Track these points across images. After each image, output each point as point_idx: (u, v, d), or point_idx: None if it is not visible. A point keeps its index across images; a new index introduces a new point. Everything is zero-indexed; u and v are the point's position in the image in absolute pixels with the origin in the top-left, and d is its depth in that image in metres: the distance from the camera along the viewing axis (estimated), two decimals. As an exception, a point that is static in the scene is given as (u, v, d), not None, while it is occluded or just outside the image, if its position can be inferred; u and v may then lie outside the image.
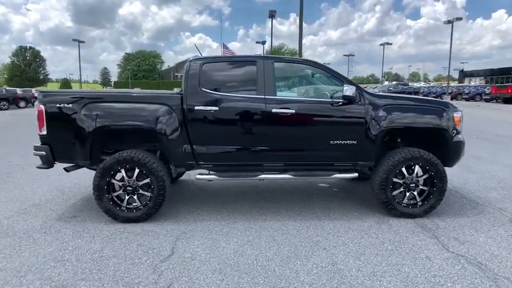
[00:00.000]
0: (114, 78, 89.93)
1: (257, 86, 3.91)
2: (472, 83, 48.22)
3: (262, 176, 3.98)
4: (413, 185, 3.98)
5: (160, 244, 3.41)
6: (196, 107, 3.85)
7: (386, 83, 65.84)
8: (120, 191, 3.92)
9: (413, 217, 4.00)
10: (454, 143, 4.00)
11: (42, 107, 3.84)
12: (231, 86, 4.05)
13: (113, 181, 3.89)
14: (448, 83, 43.60)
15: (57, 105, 3.84)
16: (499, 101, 27.74)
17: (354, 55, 79.56)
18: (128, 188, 3.88)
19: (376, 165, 4.02)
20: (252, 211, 4.28)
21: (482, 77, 51.59)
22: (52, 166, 4.01)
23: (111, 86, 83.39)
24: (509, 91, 25.62)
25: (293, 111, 3.86)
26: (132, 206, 3.94)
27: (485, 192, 5.00)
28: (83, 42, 48.06)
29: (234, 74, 4.13)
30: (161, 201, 3.90)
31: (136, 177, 3.87)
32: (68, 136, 3.86)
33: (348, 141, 3.93)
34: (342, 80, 4.00)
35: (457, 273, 2.86)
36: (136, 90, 5.12)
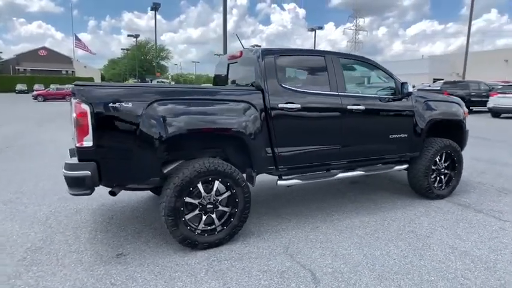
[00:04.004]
0: None
1: (329, 82, 3.76)
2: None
3: (340, 175, 3.87)
4: (443, 170, 4.59)
5: (282, 264, 2.93)
6: (279, 105, 3.43)
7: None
8: (196, 211, 3.14)
9: (442, 197, 4.61)
10: (466, 132, 4.81)
11: (86, 107, 2.70)
12: (304, 81, 3.77)
13: (189, 199, 3.08)
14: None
15: (111, 104, 2.77)
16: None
17: (223, 55, 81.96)
18: (208, 205, 3.14)
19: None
20: (314, 213, 4.09)
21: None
22: (93, 191, 2.87)
23: None
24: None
25: (363, 107, 3.89)
26: (208, 228, 3.21)
27: (452, 171, 6.14)
28: None
29: (305, 69, 3.85)
30: (246, 216, 3.33)
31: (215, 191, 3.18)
32: (130, 146, 2.84)
33: (402, 135, 4.22)
34: (392, 77, 4.24)
35: (534, 236, 3.51)
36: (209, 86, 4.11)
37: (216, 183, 3.16)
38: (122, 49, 68.31)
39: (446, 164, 4.64)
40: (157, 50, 52.06)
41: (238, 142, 3.32)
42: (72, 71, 62.17)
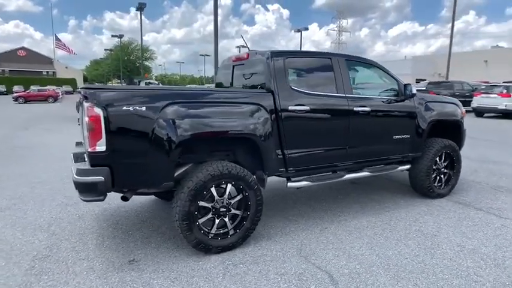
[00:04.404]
0: None
1: (336, 83, 3.79)
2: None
3: (347, 176, 3.91)
4: (443, 169, 4.70)
5: (298, 266, 2.94)
6: (290, 107, 3.44)
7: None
8: (210, 215, 3.11)
9: (442, 196, 4.71)
10: (464, 131, 4.94)
11: (99, 111, 2.63)
12: (312, 83, 3.77)
13: (202, 203, 3.05)
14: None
15: (125, 107, 2.71)
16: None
17: (209, 55, 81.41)
18: (222, 208, 3.12)
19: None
20: (321, 214, 4.11)
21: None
22: (106, 197, 2.80)
23: None
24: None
25: (369, 109, 3.94)
26: (221, 232, 3.19)
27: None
28: None
29: (313, 71, 3.86)
30: (259, 219, 3.32)
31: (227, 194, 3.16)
32: (143, 151, 2.79)
33: (405, 135, 4.29)
34: (395, 78, 4.31)
35: (534, 233, 3.63)
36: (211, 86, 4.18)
37: (229, 187, 3.14)
38: (105, 49, 67.00)
39: (445, 164, 4.75)
40: (144, 50, 51.20)
41: (250, 144, 3.31)
42: (53, 72, 60.64)
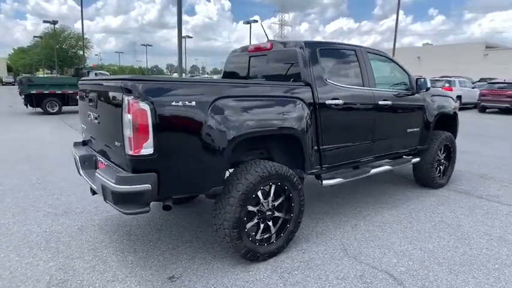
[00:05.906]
0: None
1: (362, 76, 3.71)
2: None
3: (372, 171, 3.86)
4: (443, 160, 4.91)
5: (353, 268, 2.81)
6: (327, 101, 3.27)
7: (175, 75, 66.95)
8: (255, 219, 2.84)
9: (442, 186, 4.94)
10: (458, 122, 5.21)
11: (145, 106, 2.21)
12: (341, 76, 3.62)
13: (251, 208, 2.77)
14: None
15: (174, 102, 2.31)
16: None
17: (151, 45, 77.50)
18: (268, 212, 2.87)
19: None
20: (342, 210, 4.04)
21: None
22: (150, 208, 2.38)
23: None
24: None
25: (390, 102, 3.92)
26: (265, 237, 2.94)
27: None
28: None
29: (341, 63, 3.70)
30: (301, 220, 3.12)
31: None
32: (194, 152, 2.43)
33: (415, 129, 4.38)
34: (406, 72, 4.35)
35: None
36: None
37: (273, 188, 2.89)
38: (34, 36, 60.23)
39: (444, 155, 4.96)
40: (78, 38, 46.76)
41: (289, 141, 3.08)
42: (-30, 60, 53.16)
